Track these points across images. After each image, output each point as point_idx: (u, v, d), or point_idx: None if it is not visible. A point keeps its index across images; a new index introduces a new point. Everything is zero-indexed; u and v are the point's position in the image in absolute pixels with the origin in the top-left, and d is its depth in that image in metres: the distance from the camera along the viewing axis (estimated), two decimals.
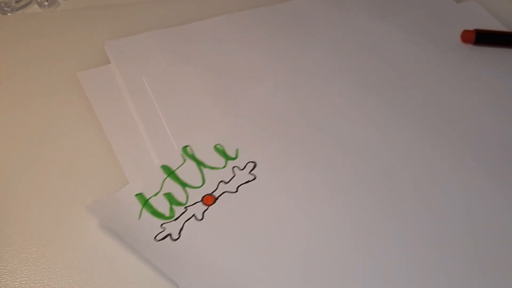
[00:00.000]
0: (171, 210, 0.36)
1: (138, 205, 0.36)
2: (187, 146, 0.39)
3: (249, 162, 0.39)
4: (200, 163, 0.38)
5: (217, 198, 0.37)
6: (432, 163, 0.40)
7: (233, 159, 0.39)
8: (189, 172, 0.38)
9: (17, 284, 0.32)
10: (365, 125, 0.42)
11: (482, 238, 0.36)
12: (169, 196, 0.36)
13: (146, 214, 0.35)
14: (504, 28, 0.52)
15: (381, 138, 0.41)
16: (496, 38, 0.50)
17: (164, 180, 0.37)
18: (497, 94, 0.45)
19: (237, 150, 0.39)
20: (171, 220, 0.35)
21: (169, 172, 0.38)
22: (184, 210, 0.36)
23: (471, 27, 0.51)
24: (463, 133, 0.42)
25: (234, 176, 0.38)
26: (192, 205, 0.36)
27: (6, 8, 0.51)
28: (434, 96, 0.45)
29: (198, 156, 0.39)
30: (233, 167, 0.38)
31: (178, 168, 0.38)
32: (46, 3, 0.52)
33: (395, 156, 0.40)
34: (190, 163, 0.38)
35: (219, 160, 0.39)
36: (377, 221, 0.36)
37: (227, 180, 0.38)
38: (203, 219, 0.35)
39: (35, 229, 0.35)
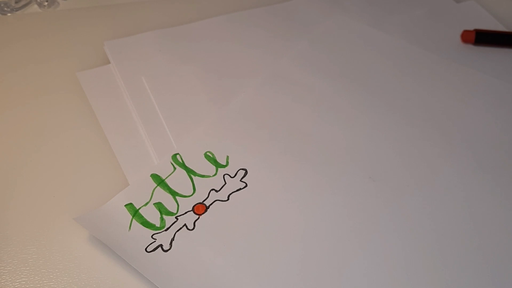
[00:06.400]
0: (162, 220, 0.35)
1: (128, 215, 0.35)
2: (177, 154, 0.39)
3: (240, 169, 0.38)
4: (190, 171, 0.38)
5: (208, 207, 0.36)
6: (432, 161, 0.40)
7: (224, 166, 0.38)
8: (179, 180, 0.37)
9: (17, 285, 0.32)
10: (362, 125, 0.42)
11: (483, 235, 0.35)
12: (160, 206, 0.36)
13: (136, 225, 0.35)
14: (504, 28, 0.52)
15: (379, 139, 0.41)
16: (496, 38, 0.50)
17: (154, 190, 0.37)
18: (497, 94, 0.45)
19: (227, 157, 0.39)
20: (162, 230, 0.35)
21: (159, 181, 0.37)
22: (175, 220, 0.35)
23: (471, 27, 0.51)
24: (463, 132, 0.42)
25: (225, 184, 0.37)
26: (183, 214, 0.35)
27: (6, 8, 0.51)
28: (434, 96, 0.45)
29: (188, 164, 0.38)
30: (224, 174, 0.38)
31: (168, 176, 0.37)
32: (46, 3, 0.52)
33: (394, 156, 0.40)
34: (180, 172, 0.38)
35: (209, 168, 0.38)
36: (374, 221, 0.36)
37: (218, 188, 0.37)
38: (195, 229, 0.35)
39: (34, 230, 0.35)
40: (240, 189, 0.37)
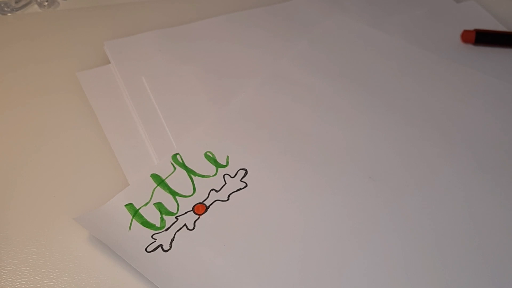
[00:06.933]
0: (162, 220, 0.35)
1: (128, 215, 0.35)
2: (177, 154, 0.39)
3: (240, 169, 0.38)
4: (190, 171, 0.38)
5: (208, 207, 0.36)
6: (432, 161, 0.40)
7: (224, 166, 0.38)
8: (179, 180, 0.37)
9: (17, 285, 0.32)
10: (362, 125, 0.42)
11: (482, 235, 0.35)
12: (160, 206, 0.36)
13: (136, 225, 0.35)
14: (504, 28, 0.52)
15: (379, 139, 0.41)
16: (496, 38, 0.50)
17: (154, 189, 0.37)
18: (497, 94, 0.45)
19: (227, 157, 0.39)
20: (162, 230, 0.35)
21: (159, 181, 0.37)
22: (175, 220, 0.35)
23: (471, 27, 0.51)
24: (463, 132, 0.42)
25: (225, 184, 0.37)
26: (183, 214, 0.35)
27: (6, 8, 0.51)
28: (434, 96, 0.45)
29: (188, 164, 0.38)
30: (224, 174, 0.38)
31: (168, 176, 0.37)
32: (46, 3, 0.52)
33: (394, 156, 0.40)
34: (180, 172, 0.38)
35: (209, 168, 0.38)
36: (374, 221, 0.35)
37: (218, 188, 0.37)
38: (195, 229, 0.35)
39: (34, 230, 0.35)
40: (240, 189, 0.37)
